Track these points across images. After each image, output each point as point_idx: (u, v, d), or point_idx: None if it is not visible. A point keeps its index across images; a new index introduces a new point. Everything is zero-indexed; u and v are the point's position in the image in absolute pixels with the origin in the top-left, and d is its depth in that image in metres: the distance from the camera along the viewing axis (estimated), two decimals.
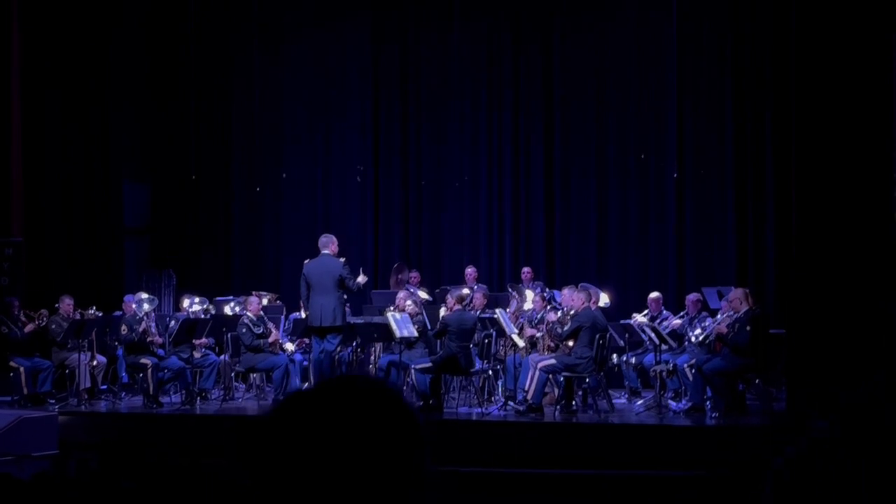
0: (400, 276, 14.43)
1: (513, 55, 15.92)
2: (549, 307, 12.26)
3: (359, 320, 12.53)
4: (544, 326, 11.85)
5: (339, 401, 1.81)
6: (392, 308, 12.36)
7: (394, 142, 16.40)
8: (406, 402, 1.85)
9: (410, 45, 16.24)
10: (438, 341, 11.86)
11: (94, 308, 12.93)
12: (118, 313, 13.11)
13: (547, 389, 11.45)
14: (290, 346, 12.65)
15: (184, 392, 12.34)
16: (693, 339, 11.71)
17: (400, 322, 11.69)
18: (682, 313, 12.40)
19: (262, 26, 16.33)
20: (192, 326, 12.37)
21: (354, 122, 16.46)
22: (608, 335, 11.49)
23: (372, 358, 13.07)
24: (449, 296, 11.96)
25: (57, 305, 12.80)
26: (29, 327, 12.57)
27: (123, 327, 12.37)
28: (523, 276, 14.13)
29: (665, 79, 15.08)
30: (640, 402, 11.94)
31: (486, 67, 15.98)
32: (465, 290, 12.46)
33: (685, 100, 15.08)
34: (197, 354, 12.54)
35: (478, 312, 12.27)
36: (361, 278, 11.60)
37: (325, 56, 16.47)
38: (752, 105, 14.74)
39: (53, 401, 12.31)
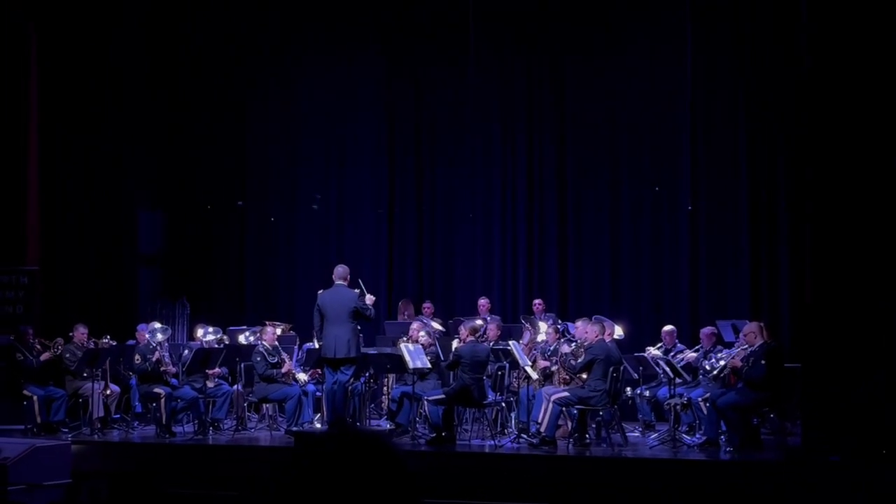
0: (407, 313, 14.42)
1: (526, 87, 15.95)
2: (562, 339, 12.23)
3: (372, 351, 12.51)
4: (557, 358, 11.81)
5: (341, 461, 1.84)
6: (405, 339, 12.34)
7: (408, 173, 16.43)
8: (400, 459, 1.88)
9: (424, 78, 16.30)
10: (451, 373, 11.83)
11: (108, 337, 12.96)
12: (132, 342, 13.13)
13: (560, 422, 11.40)
14: (302, 377, 12.64)
15: (196, 422, 12.33)
16: (708, 370, 11.66)
17: (413, 353, 11.67)
18: (696, 347, 12.36)
19: (277, 59, 16.44)
20: (205, 356, 12.37)
21: (368, 152, 16.50)
22: (622, 368, 11.45)
23: (385, 389, 13.05)
24: (462, 327, 11.94)
25: (71, 334, 12.84)
26: (45, 356, 12.61)
27: (137, 357, 12.38)
28: (535, 308, 14.11)
29: (678, 111, 15.09)
30: (653, 436, 11.88)
31: (500, 99, 16.01)
32: (479, 322, 12.43)
33: (698, 132, 15.07)
34: (210, 384, 12.53)
35: (491, 344, 12.24)
36: (369, 299, 11.58)
37: (340, 87, 16.53)
38: (765, 137, 14.73)
39: (67, 430, 12.33)
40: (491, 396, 11.79)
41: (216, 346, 12.87)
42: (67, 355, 12.64)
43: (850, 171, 10.30)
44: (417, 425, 11.88)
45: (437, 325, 13.68)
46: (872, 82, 10.27)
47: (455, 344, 11.92)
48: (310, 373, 12.74)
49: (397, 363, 11.84)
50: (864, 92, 10.30)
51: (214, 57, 16.45)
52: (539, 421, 11.14)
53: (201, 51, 16.42)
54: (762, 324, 11.45)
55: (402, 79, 16.38)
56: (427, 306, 14.55)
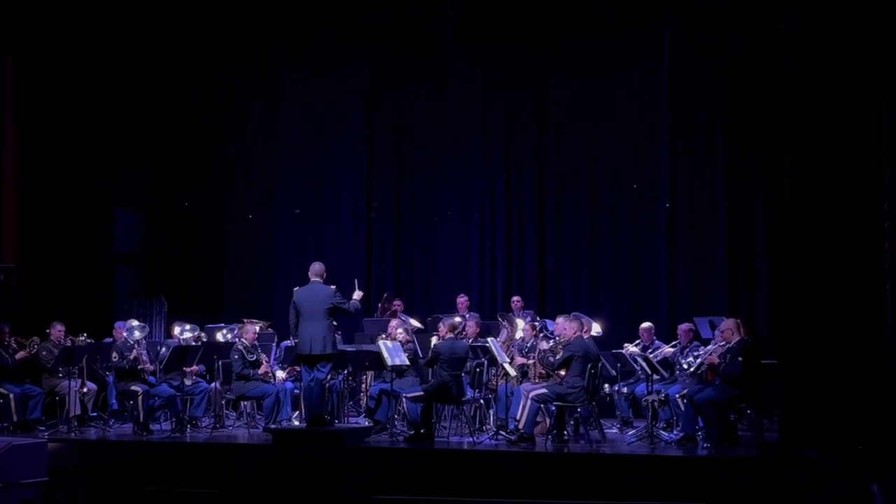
0: (387, 306, 14.43)
1: (506, 87, 16.01)
2: (539, 336, 12.25)
3: (350, 348, 12.50)
4: (535, 355, 11.83)
5: None
6: (384, 336, 12.34)
7: (387, 171, 16.45)
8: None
9: (406, 79, 16.33)
10: (430, 370, 11.84)
11: (85, 335, 12.88)
12: (109, 340, 13.06)
13: (538, 419, 11.43)
14: (281, 374, 12.61)
15: (174, 420, 12.29)
16: (685, 367, 11.71)
17: (391, 350, 11.67)
18: (673, 343, 12.41)
19: (260, 61, 16.42)
20: (183, 354, 12.33)
21: (349, 151, 16.51)
22: (600, 365, 11.48)
23: (363, 386, 13.04)
24: (441, 324, 11.95)
25: (48, 332, 12.77)
26: (20, 354, 12.52)
27: (114, 354, 12.34)
28: (513, 305, 14.15)
29: (657, 109, 15.15)
30: (631, 432, 11.92)
31: (480, 98, 16.05)
32: (458, 319, 12.44)
33: (677, 129, 15.15)
34: (188, 382, 12.49)
35: (470, 341, 12.26)
36: (357, 294, 11.56)
37: (323, 89, 16.55)
38: (743, 135, 14.81)
39: (43, 428, 12.27)
40: (469, 393, 11.81)
41: (194, 343, 12.82)
42: (44, 353, 12.57)
43: (828, 167, 10.35)
44: (396, 422, 11.88)
45: (414, 322, 13.68)
46: (852, 77, 10.33)
47: (434, 341, 11.93)
48: (288, 370, 12.72)
49: (375, 360, 11.84)
50: (844, 87, 10.35)
51: (196, 56, 16.39)
52: (517, 418, 11.17)
53: (183, 51, 16.36)
54: (739, 320, 11.50)
55: (384, 80, 16.42)
56: (397, 304, 14.55)
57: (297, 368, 12.11)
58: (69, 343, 12.66)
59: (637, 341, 12.63)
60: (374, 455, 10.84)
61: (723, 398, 10.94)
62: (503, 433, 11.42)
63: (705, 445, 10.89)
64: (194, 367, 12.58)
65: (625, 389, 12.50)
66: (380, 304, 14.62)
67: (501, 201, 15.93)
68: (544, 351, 11.66)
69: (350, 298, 11.47)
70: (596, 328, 12.38)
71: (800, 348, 10.41)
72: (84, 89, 15.05)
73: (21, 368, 12.59)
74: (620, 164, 15.48)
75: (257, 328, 13.03)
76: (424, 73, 16.15)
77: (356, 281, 11.71)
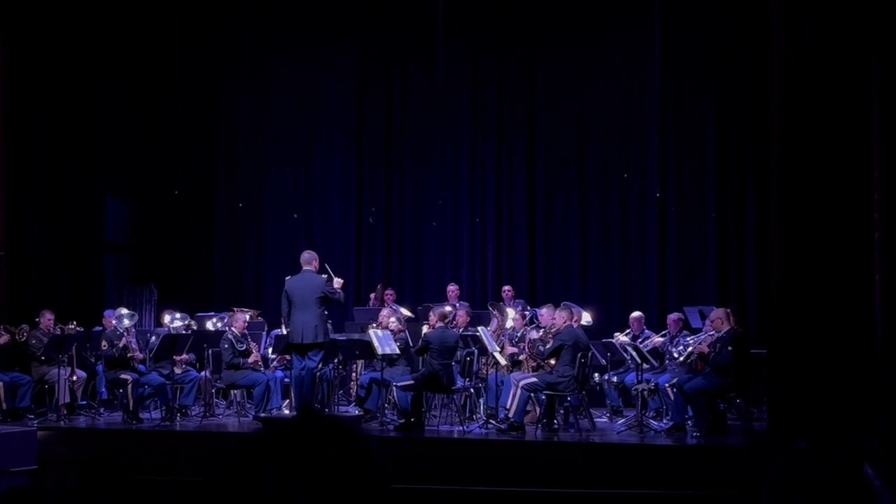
0: (380, 297, 14.42)
1: (497, 77, 15.97)
2: (529, 326, 12.26)
3: (341, 337, 12.50)
4: (526, 345, 11.84)
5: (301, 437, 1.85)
6: (374, 325, 12.34)
7: (378, 159, 16.41)
8: (368, 445, 1.89)
9: (396, 68, 16.28)
10: (420, 358, 11.84)
11: (75, 323, 12.86)
12: (98, 328, 13.04)
13: (528, 408, 11.44)
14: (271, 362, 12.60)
15: (164, 408, 12.28)
16: (675, 356, 11.73)
17: (382, 339, 11.67)
18: (663, 332, 12.43)
19: (250, 47, 16.36)
20: (172, 342, 12.31)
21: (339, 139, 16.47)
22: (590, 354, 11.49)
23: (354, 375, 13.04)
24: (431, 313, 11.96)
25: (37, 320, 12.74)
26: (2, 339, 12.45)
27: (104, 342, 12.31)
28: (504, 295, 14.14)
29: (647, 98, 15.14)
30: (621, 421, 11.94)
31: (471, 88, 16.01)
32: (448, 308, 12.44)
33: (667, 119, 15.14)
34: (177, 370, 12.48)
35: (460, 330, 12.26)
36: (337, 282, 11.53)
37: (312, 76, 16.50)
38: (733, 124, 14.81)
39: (32, 416, 12.24)
40: (459, 382, 11.81)
41: (184, 332, 12.81)
42: (33, 341, 12.55)
43: (817, 155, 10.35)
44: (386, 411, 11.88)
45: (405, 312, 13.68)
46: (843, 66, 10.32)
47: (424, 330, 11.93)
48: (278, 359, 12.71)
49: (366, 349, 11.84)
50: (835, 76, 10.35)
51: (187, 46, 16.32)
52: (507, 406, 11.19)
53: (174, 39, 16.28)
54: (729, 310, 11.52)
55: (375, 69, 16.37)
56: (389, 293, 14.53)
57: (288, 357, 12.11)
58: (59, 331, 12.63)
59: (627, 331, 12.64)
60: None
61: (712, 387, 10.96)
62: (493, 422, 11.43)
63: (695, 434, 10.92)
64: (184, 356, 12.56)
65: (615, 378, 12.52)
66: (373, 295, 14.58)
67: (492, 190, 15.92)
68: (534, 340, 11.67)
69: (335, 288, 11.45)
70: (586, 317, 12.40)
71: (789, 338, 10.43)
72: (75, 79, 14.99)
73: (11, 356, 12.56)
74: (611, 154, 15.47)
75: (247, 317, 13.02)
76: (414, 62, 16.12)
77: (327, 266, 11.64)
